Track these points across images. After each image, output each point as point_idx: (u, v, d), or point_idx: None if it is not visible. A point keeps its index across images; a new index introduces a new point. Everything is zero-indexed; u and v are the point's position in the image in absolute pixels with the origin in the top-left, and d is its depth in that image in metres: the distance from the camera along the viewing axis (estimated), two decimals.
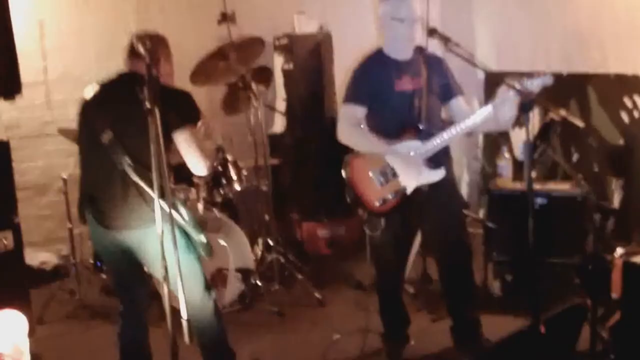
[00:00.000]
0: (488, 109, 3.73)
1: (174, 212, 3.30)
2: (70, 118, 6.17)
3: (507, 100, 3.64)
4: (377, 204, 3.87)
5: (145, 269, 3.67)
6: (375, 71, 3.95)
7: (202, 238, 3.45)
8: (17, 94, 4.26)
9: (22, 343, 2.37)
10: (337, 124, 3.98)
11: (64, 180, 5.25)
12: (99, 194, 3.53)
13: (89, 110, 3.60)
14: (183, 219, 3.38)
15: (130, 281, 3.75)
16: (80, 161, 3.75)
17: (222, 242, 4.79)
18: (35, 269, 5.69)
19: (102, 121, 3.44)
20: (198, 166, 3.52)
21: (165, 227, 3.01)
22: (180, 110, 3.49)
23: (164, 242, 2.96)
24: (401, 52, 3.96)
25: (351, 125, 3.94)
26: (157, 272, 3.16)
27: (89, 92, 3.62)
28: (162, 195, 3.07)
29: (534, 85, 3.48)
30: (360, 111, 3.96)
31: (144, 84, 2.97)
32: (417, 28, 3.90)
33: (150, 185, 3.21)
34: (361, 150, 3.93)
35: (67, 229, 5.37)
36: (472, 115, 3.79)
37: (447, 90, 4.02)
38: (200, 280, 3.60)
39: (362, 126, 4.01)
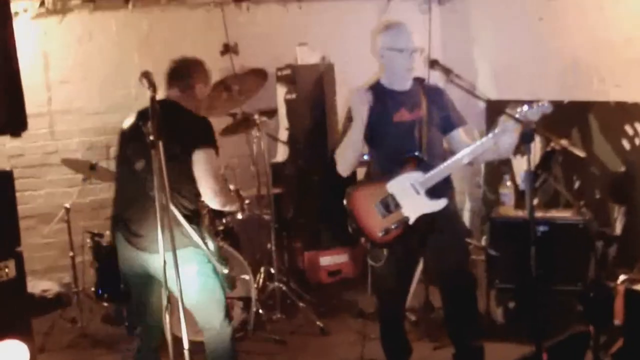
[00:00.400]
0: (488, 138, 3.75)
1: (200, 241, 3.40)
2: (73, 148, 6.26)
3: (507, 130, 3.66)
4: (380, 234, 3.86)
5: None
6: (372, 103, 3.93)
7: (224, 270, 3.55)
8: (23, 131, 4.30)
9: None
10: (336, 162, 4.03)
11: (67, 210, 5.27)
12: (132, 217, 3.64)
13: (125, 138, 3.75)
14: (209, 249, 3.50)
15: (150, 304, 3.78)
16: (115, 185, 3.90)
17: (246, 277, 4.82)
18: (36, 297, 5.68)
19: (136, 149, 3.57)
20: (211, 193, 3.60)
21: (186, 252, 3.19)
22: (200, 132, 3.62)
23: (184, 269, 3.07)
24: (400, 82, 3.97)
25: None
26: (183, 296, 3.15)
27: (128, 121, 3.77)
28: (192, 221, 3.37)
29: (534, 114, 3.50)
30: None
31: (149, 118, 3.04)
32: (416, 58, 3.90)
33: (181, 211, 3.42)
34: (353, 150, 3.93)
35: (69, 258, 5.39)
36: (471, 146, 3.80)
37: (448, 122, 4.02)
38: (221, 307, 3.65)
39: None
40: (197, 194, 3.62)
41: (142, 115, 3.66)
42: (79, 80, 6.31)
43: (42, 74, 6.12)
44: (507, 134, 3.68)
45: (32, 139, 6.06)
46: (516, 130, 3.62)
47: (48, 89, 6.17)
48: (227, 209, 3.87)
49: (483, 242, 5.47)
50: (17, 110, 3.99)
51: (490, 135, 3.74)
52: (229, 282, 3.61)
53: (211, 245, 3.52)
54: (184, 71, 3.78)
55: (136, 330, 3.86)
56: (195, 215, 3.59)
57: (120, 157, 3.83)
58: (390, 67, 3.96)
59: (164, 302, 3.00)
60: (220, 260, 3.55)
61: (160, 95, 3.68)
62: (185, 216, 3.47)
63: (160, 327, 3.77)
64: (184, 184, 3.39)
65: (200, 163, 3.56)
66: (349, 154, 3.95)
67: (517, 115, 3.50)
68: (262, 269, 5.61)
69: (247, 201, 5.43)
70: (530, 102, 3.54)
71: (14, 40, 4.31)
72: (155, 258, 3.48)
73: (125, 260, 3.74)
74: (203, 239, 3.50)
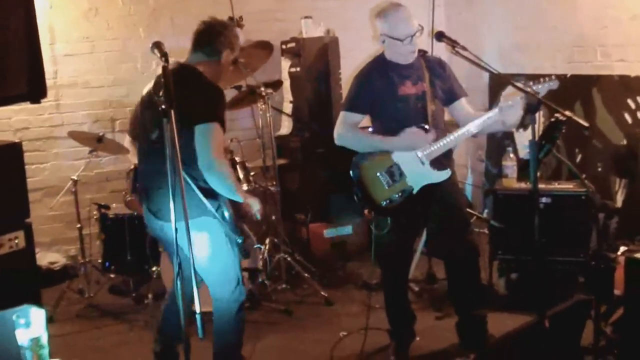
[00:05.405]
0: (495, 112, 3.81)
1: (214, 210, 3.48)
2: (79, 121, 6.29)
3: (515, 104, 3.72)
4: (383, 203, 3.94)
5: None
6: (377, 78, 4.00)
7: (238, 240, 3.60)
8: (42, 98, 4.34)
9: (42, 337, 2.43)
10: (336, 128, 4.06)
11: (74, 181, 5.31)
12: (150, 185, 3.63)
13: (142, 107, 3.74)
14: (223, 218, 3.52)
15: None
16: (137, 155, 3.92)
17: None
18: (43, 269, 5.74)
19: (151, 119, 3.54)
20: (205, 167, 3.41)
21: (199, 222, 3.31)
22: (206, 104, 3.45)
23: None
24: (403, 59, 4.01)
25: (353, 129, 4.03)
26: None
27: (146, 88, 3.70)
28: (206, 191, 3.40)
29: (540, 90, 3.55)
30: (359, 119, 4.06)
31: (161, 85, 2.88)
32: (416, 41, 3.94)
33: (194, 181, 3.41)
34: (368, 150, 4.00)
35: (76, 230, 5.44)
36: (478, 119, 3.86)
37: (451, 93, 4.08)
38: (232, 278, 3.66)
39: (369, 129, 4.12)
40: None
41: (156, 83, 3.51)
42: (85, 54, 6.32)
43: (48, 48, 6.11)
44: (513, 108, 3.74)
45: (38, 111, 6.10)
46: (522, 103, 3.67)
47: (54, 62, 6.18)
48: (219, 188, 3.49)
49: (485, 215, 5.53)
50: (38, 79, 4.07)
51: (496, 109, 3.82)
52: (243, 251, 3.65)
53: (226, 214, 3.51)
54: (212, 35, 3.60)
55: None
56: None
57: (137, 126, 3.82)
58: (391, 51, 4.00)
59: (175, 269, 3.03)
60: (234, 229, 3.56)
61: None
62: (199, 186, 3.43)
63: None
64: (193, 154, 3.34)
65: (200, 136, 3.39)
66: (360, 148, 4.01)
67: (523, 87, 3.53)
68: (267, 240, 5.67)
69: (252, 173, 5.50)
70: (536, 76, 3.57)
71: (35, 14, 4.37)
72: (170, 226, 3.51)
73: (153, 230, 3.75)
74: (218, 208, 3.48)
